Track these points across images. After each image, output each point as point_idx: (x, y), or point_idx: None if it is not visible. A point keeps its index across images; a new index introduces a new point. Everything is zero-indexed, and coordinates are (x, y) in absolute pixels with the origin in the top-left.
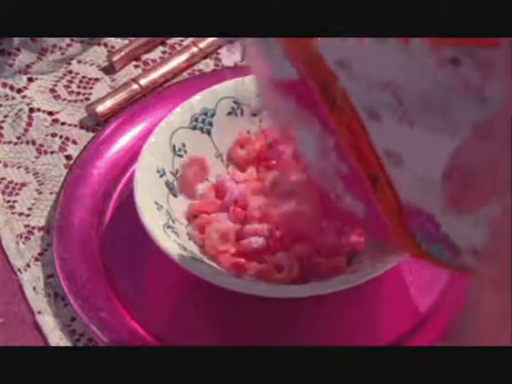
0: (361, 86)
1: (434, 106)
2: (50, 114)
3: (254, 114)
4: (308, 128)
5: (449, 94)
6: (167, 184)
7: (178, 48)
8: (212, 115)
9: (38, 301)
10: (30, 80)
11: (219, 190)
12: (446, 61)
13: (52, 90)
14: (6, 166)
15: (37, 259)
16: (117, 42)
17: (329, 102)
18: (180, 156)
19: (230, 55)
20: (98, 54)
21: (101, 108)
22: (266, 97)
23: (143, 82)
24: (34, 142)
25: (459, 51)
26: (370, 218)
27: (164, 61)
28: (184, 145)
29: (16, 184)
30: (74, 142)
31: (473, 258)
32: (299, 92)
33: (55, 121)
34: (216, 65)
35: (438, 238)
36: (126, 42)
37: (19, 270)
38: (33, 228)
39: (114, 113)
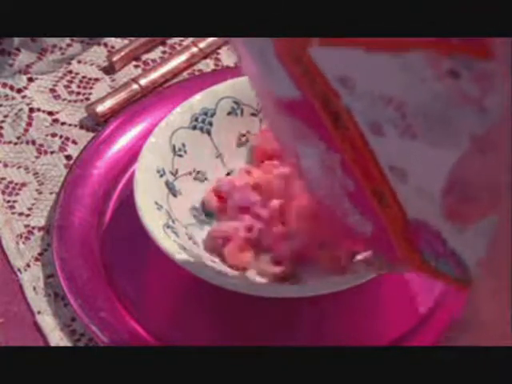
0: (363, 101)
1: (434, 120)
2: (50, 113)
3: (254, 114)
4: (312, 145)
5: (448, 106)
6: (167, 184)
7: (178, 48)
8: (212, 115)
9: (38, 301)
10: (30, 80)
11: (220, 194)
12: (445, 73)
13: (52, 90)
14: (6, 165)
15: (37, 259)
16: (117, 41)
17: (332, 118)
18: (180, 156)
19: (230, 55)
20: (97, 54)
21: (101, 108)
22: (269, 115)
23: (143, 82)
24: (34, 142)
25: (457, 63)
26: (378, 235)
27: (164, 61)
28: (184, 145)
29: (16, 184)
30: (74, 142)
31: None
32: (302, 109)
33: (55, 121)
34: (216, 65)
35: (445, 253)
36: (126, 41)
37: (19, 270)
38: (33, 228)
39: (114, 113)
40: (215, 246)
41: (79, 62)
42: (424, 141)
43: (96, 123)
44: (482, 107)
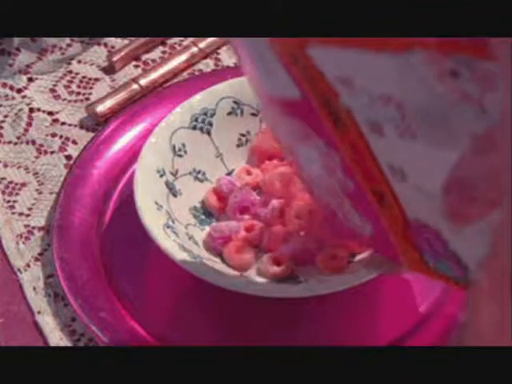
0: (363, 101)
1: (434, 119)
2: (50, 113)
3: (254, 114)
4: (312, 144)
5: (448, 106)
6: (167, 184)
7: (178, 48)
8: (212, 115)
9: (38, 301)
10: (30, 80)
11: (220, 195)
12: (446, 73)
13: (52, 90)
14: (6, 165)
15: (37, 259)
16: (117, 41)
17: (332, 118)
18: (180, 156)
19: (230, 55)
20: (98, 53)
21: (101, 108)
22: (268, 116)
23: (143, 82)
24: (34, 142)
25: (458, 63)
26: (377, 236)
27: (164, 61)
28: (184, 145)
29: (16, 184)
30: (74, 142)
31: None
32: (302, 109)
33: (55, 121)
34: (216, 65)
35: (445, 254)
36: (126, 41)
37: (19, 269)
38: (33, 228)
39: (113, 113)
40: (215, 246)
41: (79, 61)
42: (423, 141)
43: (96, 123)
44: (482, 107)
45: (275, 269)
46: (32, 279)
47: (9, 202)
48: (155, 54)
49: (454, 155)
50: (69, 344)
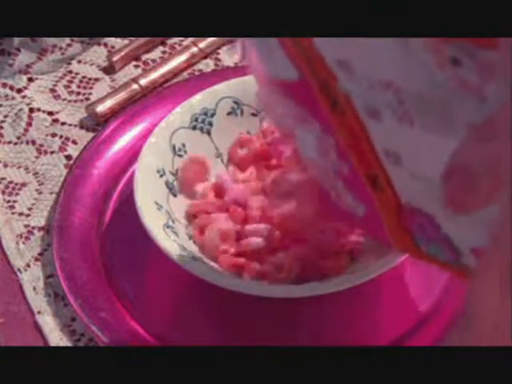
0: (361, 85)
1: (433, 106)
2: (50, 113)
3: (254, 114)
4: (308, 127)
5: (448, 94)
6: (167, 184)
7: (178, 48)
8: (212, 115)
9: (38, 301)
10: (30, 80)
11: (219, 190)
12: (446, 61)
13: (52, 90)
14: (6, 165)
15: (37, 259)
16: (117, 42)
17: (329, 101)
18: (180, 156)
19: (230, 55)
20: (98, 54)
21: (101, 108)
22: (266, 97)
23: (143, 82)
24: (34, 142)
25: (459, 51)
26: (370, 217)
27: (164, 61)
28: (184, 145)
29: (16, 184)
30: (74, 142)
31: (473, 259)
32: (299, 92)
33: (55, 121)
34: (216, 65)
35: (437, 238)
36: (126, 41)
37: (19, 269)
38: (33, 228)
39: (114, 113)
40: (212, 251)
41: (79, 61)
42: (422, 127)
43: (96, 123)
44: (482, 96)
45: (278, 275)
46: (32, 279)
47: (9, 202)
48: (155, 53)
49: (453, 143)
50: (69, 344)
